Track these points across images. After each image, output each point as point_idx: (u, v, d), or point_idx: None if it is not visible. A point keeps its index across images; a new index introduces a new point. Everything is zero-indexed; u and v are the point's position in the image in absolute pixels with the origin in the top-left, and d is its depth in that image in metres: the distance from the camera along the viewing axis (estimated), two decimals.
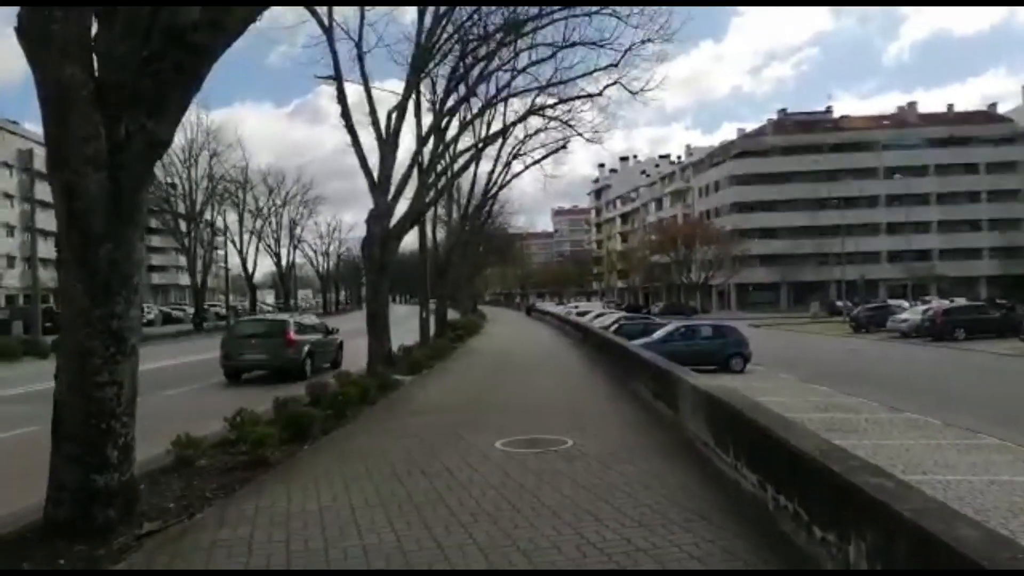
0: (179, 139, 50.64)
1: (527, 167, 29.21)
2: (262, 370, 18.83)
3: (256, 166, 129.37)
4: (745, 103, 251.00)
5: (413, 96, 19.07)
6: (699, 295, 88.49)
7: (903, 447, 12.58)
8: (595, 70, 18.50)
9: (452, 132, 19.71)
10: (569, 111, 22.38)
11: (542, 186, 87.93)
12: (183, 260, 67.66)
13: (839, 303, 72.12)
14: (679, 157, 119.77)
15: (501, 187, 30.59)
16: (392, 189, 17.30)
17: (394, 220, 17.58)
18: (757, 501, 6.20)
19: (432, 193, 18.47)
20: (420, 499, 6.82)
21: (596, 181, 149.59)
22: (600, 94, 19.32)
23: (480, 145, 21.41)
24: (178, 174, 50.94)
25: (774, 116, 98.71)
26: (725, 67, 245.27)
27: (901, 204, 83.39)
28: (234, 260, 63.00)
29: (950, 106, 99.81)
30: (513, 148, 29.34)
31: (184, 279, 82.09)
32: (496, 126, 24.57)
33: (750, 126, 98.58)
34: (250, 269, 63.53)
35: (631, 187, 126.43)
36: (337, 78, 16.85)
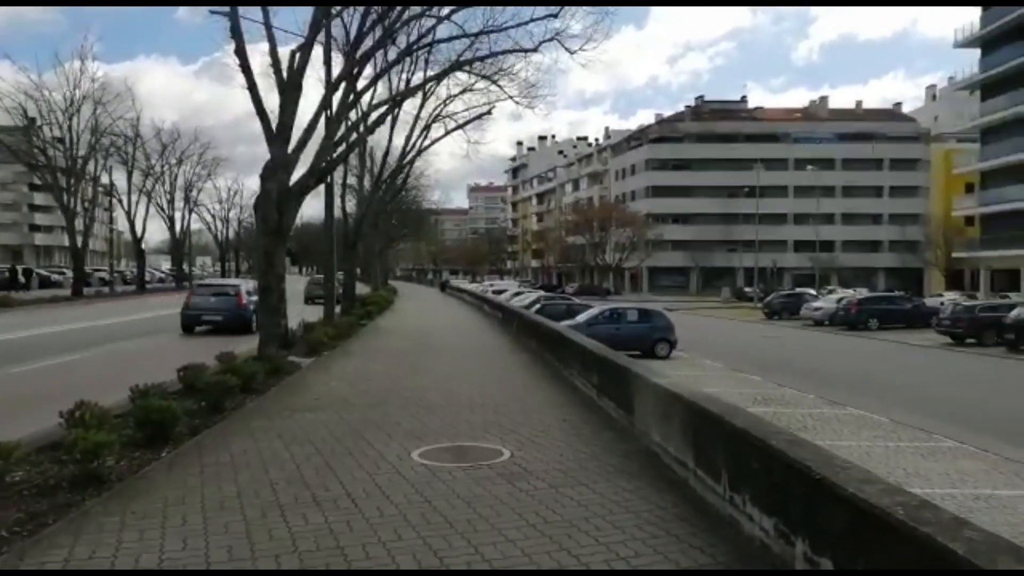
0: (59, 85, 45.81)
1: (448, 132, 26.95)
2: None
3: (154, 123, 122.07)
4: (662, 92, 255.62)
5: (322, 38, 16.63)
6: (612, 277, 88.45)
7: (862, 450, 11.44)
8: (530, 20, 16.42)
9: (365, 82, 17.35)
10: (498, 71, 20.38)
11: (461, 158, 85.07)
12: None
13: (747, 289, 73.41)
14: (597, 139, 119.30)
15: (419, 152, 28.22)
16: (294, 141, 14.89)
17: (295, 176, 15.20)
18: (775, 557, 4.52)
19: (342, 148, 16.07)
20: (307, 548, 4.83)
21: (513, 159, 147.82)
22: (535, 49, 17.35)
23: (397, 99, 19.00)
24: (58, 124, 45.88)
25: (691, 104, 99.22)
26: (644, 55, 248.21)
27: (808, 195, 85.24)
28: (124, 223, 58.15)
29: (858, 103, 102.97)
30: (434, 109, 27.01)
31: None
32: (417, 80, 22.20)
33: (667, 114, 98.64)
34: (140, 232, 58.56)
35: (548, 167, 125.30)
36: (232, 7, 14.26)
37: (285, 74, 14.95)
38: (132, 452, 7.56)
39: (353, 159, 32.10)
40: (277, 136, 14.79)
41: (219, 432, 8.46)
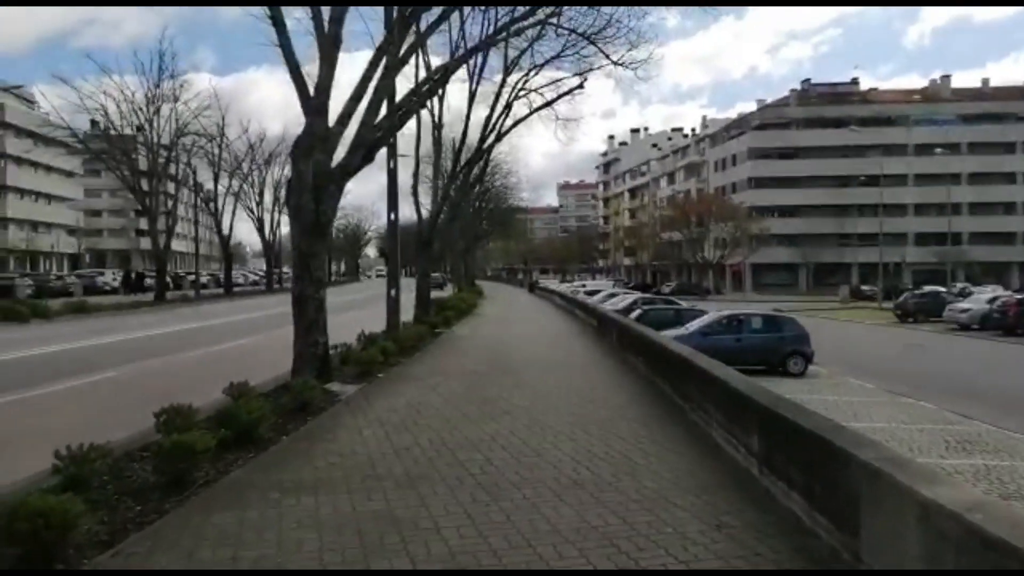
0: (138, 83, 45.00)
1: (534, 110, 23.41)
2: None
3: (241, 123, 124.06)
4: (761, 84, 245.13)
5: None
6: (712, 275, 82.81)
7: None
8: None
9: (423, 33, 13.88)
10: (593, 28, 16.63)
11: (552, 157, 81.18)
12: (182, 228, 63.27)
13: (864, 288, 66.72)
14: (693, 130, 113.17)
15: (501, 135, 24.72)
16: (335, 113, 11.68)
17: (338, 158, 11.98)
18: None
19: (397, 117, 12.69)
20: None
21: (605, 155, 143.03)
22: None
23: (465, 52, 15.44)
24: (141, 123, 44.97)
25: (796, 89, 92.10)
26: (743, 45, 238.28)
27: (930, 184, 77.18)
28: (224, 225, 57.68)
29: (985, 80, 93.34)
30: (517, 83, 23.47)
31: (181, 245, 77.46)
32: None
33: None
34: (227, 233, 57.76)
35: (641, 160, 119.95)
36: None
37: (326, 26, 11.72)
38: None
39: (426, 149, 29.06)
40: (313, 100, 11.59)
41: (142, 538, 5.18)
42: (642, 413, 9.76)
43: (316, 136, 11.41)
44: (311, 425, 9.02)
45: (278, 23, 11.80)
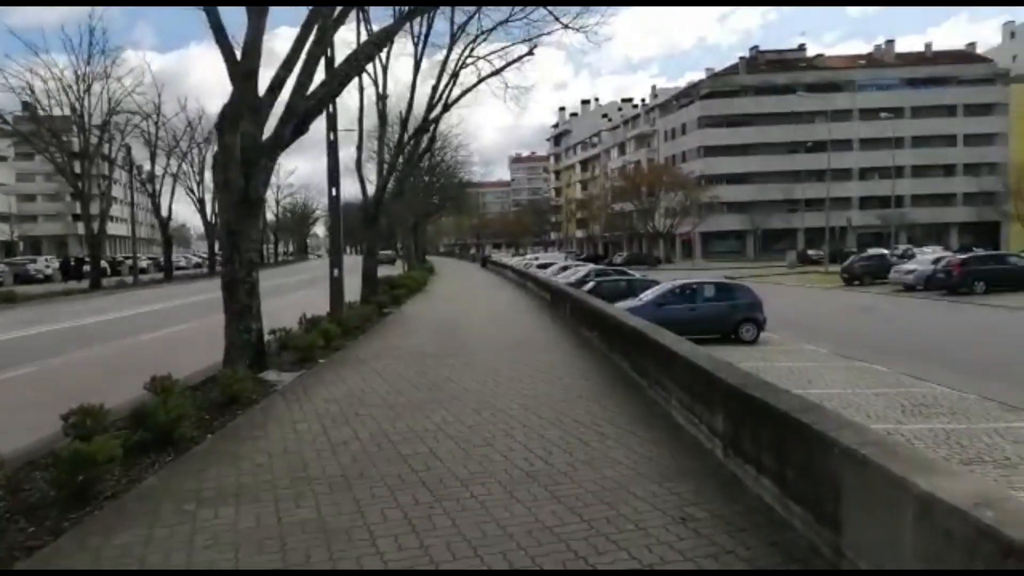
0: (66, 62, 42.64)
1: (483, 78, 22.52)
2: None
3: (179, 102, 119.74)
4: (711, 52, 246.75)
5: None
6: (663, 244, 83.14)
7: None
8: None
9: None
10: None
11: (503, 131, 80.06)
12: (121, 211, 60.72)
13: (811, 252, 67.60)
14: (643, 100, 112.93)
15: (448, 105, 23.77)
16: (266, 82, 10.77)
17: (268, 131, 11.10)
18: None
19: (335, 84, 11.75)
20: None
21: (556, 127, 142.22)
22: None
23: (407, 13, 14.47)
24: (70, 103, 42.67)
25: (744, 56, 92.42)
26: (692, 15, 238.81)
27: (874, 148, 78.47)
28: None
29: (927, 45, 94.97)
30: (464, 49, 22.54)
31: (121, 229, 74.55)
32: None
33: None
34: (165, 216, 55.57)
35: (592, 132, 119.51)
36: None
37: None
38: None
39: (372, 123, 28.00)
40: (242, 66, 10.66)
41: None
42: (598, 391, 9.25)
43: (244, 105, 10.50)
44: (240, 420, 8.28)
45: None
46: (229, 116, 10.71)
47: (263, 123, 11.36)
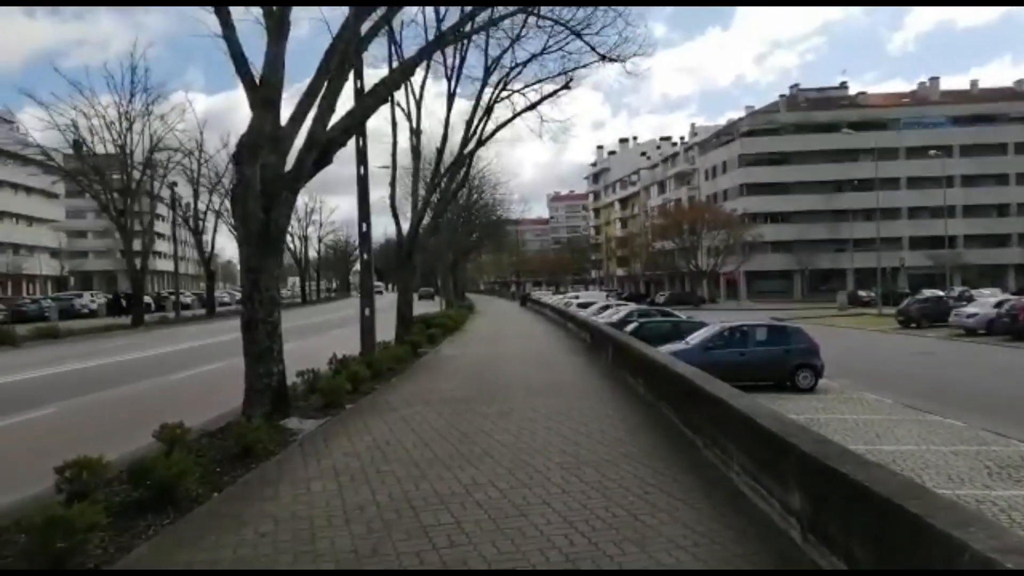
0: (109, 100, 43.53)
1: (517, 113, 22.05)
2: None
3: (221, 139, 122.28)
4: (749, 91, 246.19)
5: None
6: (706, 283, 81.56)
7: None
8: None
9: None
10: (578, 23, 15.34)
11: (542, 167, 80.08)
12: (169, 246, 61.50)
13: (861, 293, 65.50)
14: (682, 139, 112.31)
15: (482, 140, 23.36)
16: (290, 106, 10.29)
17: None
18: None
19: (359, 112, 11.20)
20: None
21: (594, 165, 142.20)
22: None
23: (434, 41, 13.98)
24: (113, 140, 43.44)
25: (784, 95, 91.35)
26: (729, 55, 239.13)
27: (922, 187, 76.30)
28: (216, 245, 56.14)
29: (973, 83, 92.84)
30: (498, 83, 22.11)
31: (168, 265, 75.79)
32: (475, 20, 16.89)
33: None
34: (208, 252, 56.09)
35: (631, 170, 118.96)
36: None
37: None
38: None
39: (406, 159, 27.62)
40: (261, 92, 10.17)
41: None
42: (647, 450, 8.32)
43: (264, 134, 9.98)
44: (251, 476, 7.54)
45: (221, 10, 10.42)
46: (248, 146, 10.19)
47: (285, 154, 10.83)
